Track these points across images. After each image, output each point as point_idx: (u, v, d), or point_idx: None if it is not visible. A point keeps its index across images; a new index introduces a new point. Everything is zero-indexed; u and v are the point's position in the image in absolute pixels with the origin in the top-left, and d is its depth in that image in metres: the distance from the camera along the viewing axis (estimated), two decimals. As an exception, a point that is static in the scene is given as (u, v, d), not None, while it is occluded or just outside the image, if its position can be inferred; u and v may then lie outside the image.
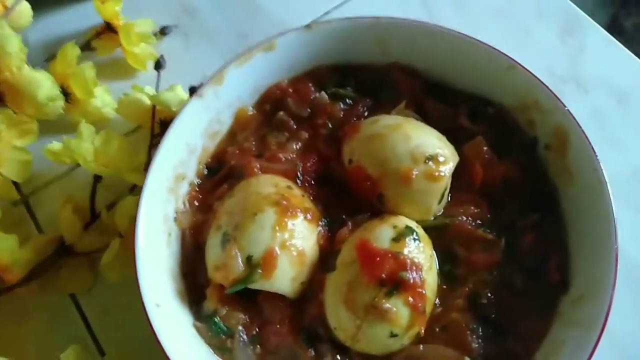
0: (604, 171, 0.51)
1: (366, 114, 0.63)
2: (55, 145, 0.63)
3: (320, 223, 0.56)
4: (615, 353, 0.58)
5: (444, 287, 0.55)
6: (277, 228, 0.52)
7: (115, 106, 0.70)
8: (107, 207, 0.64)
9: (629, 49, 0.76)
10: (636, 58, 0.75)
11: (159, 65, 0.72)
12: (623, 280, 0.59)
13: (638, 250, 0.62)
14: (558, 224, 0.56)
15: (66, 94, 0.68)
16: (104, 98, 0.71)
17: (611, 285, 0.47)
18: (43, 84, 0.63)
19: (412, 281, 0.50)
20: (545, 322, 0.52)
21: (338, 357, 0.52)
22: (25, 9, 0.73)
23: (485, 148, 0.58)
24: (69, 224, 0.62)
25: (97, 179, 0.64)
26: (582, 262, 0.52)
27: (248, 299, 0.54)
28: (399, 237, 0.52)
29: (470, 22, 0.77)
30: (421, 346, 0.52)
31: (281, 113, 0.63)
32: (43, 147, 0.65)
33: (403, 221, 0.54)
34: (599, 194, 0.51)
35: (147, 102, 0.68)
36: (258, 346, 0.53)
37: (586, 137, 0.53)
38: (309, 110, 0.63)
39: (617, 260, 0.48)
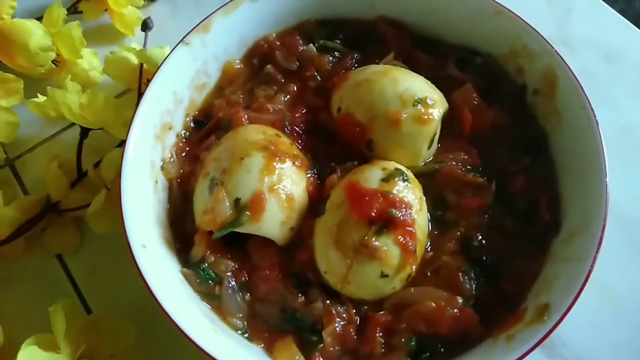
0: (592, 108, 0.51)
1: (355, 66, 0.62)
2: (40, 97, 0.62)
3: (309, 171, 0.56)
4: (610, 305, 0.58)
5: (435, 232, 0.54)
6: (265, 172, 0.52)
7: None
8: (94, 165, 0.63)
9: (613, 8, 0.77)
10: (622, 17, 0.75)
11: (146, 26, 0.72)
12: (615, 233, 0.59)
13: (629, 203, 0.62)
14: (548, 167, 0.55)
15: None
16: (91, 60, 0.71)
17: (602, 216, 0.47)
18: (35, 33, 0.61)
19: (401, 219, 0.49)
20: (537, 262, 0.52)
21: (328, 301, 0.51)
22: None
23: (474, 94, 0.58)
24: (55, 181, 0.61)
25: (84, 135, 0.63)
26: (573, 201, 0.52)
27: (237, 246, 0.54)
28: (388, 177, 0.52)
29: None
30: (412, 289, 0.51)
31: (269, 66, 0.62)
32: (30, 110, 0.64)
33: (392, 164, 0.54)
34: (588, 129, 0.51)
35: (134, 60, 0.67)
36: (247, 293, 0.52)
37: (574, 76, 0.53)
38: (297, 63, 0.63)
39: (607, 193, 0.48)
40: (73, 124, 0.67)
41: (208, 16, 0.58)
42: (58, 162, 0.62)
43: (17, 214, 0.61)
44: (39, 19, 0.69)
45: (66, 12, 0.68)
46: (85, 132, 0.63)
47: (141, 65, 0.67)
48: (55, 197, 0.62)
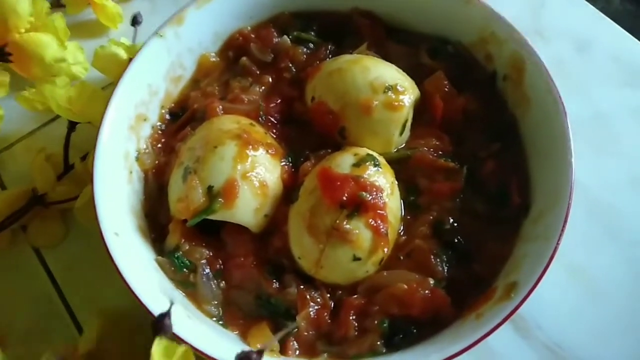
0: (558, 91, 0.52)
1: (329, 57, 0.63)
2: (29, 91, 0.62)
3: (283, 160, 0.56)
4: (584, 288, 0.59)
5: (408, 217, 0.55)
6: (238, 159, 0.52)
7: (87, 65, 0.70)
8: (81, 158, 0.63)
9: (594, 7, 0.78)
10: (593, 8, 0.77)
11: (135, 21, 0.73)
12: (586, 217, 0.61)
13: (599, 187, 0.63)
14: (518, 151, 0.56)
15: None
16: (75, 54, 0.70)
17: (567, 195, 0.47)
18: (50, 46, 0.63)
19: (372, 202, 0.50)
20: (508, 244, 0.52)
21: (302, 287, 0.51)
22: None
23: (445, 82, 0.59)
24: (42, 173, 0.61)
25: (71, 128, 0.64)
26: (541, 182, 0.52)
27: (211, 234, 0.54)
28: (360, 162, 0.52)
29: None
30: (385, 272, 0.52)
31: (244, 58, 0.63)
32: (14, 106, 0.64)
33: (364, 150, 0.54)
34: (554, 112, 0.52)
35: (124, 55, 0.67)
36: (222, 281, 0.53)
37: (541, 61, 0.54)
38: (271, 55, 0.63)
39: (572, 171, 0.49)
40: (55, 118, 0.68)
41: (181, 9, 0.59)
42: (45, 154, 0.62)
43: (2, 206, 0.61)
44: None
45: (49, 6, 0.69)
46: (72, 125, 0.63)
47: (130, 59, 0.67)
48: (41, 189, 0.62)
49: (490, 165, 0.56)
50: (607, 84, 0.70)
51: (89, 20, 0.77)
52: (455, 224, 0.54)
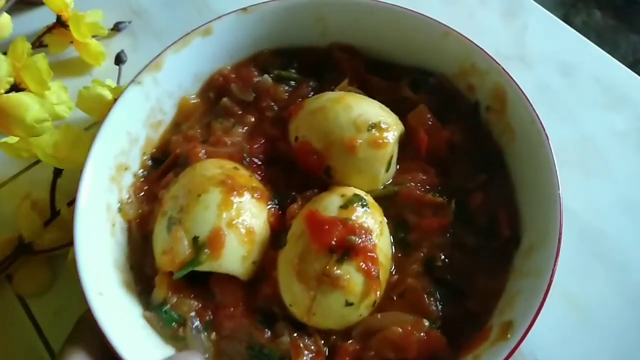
0: (541, 121, 0.52)
1: (311, 94, 0.63)
2: (13, 138, 0.61)
3: (270, 203, 0.55)
4: (578, 315, 0.58)
5: (399, 255, 0.54)
6: (222, 207, 0.51)
7: (72, 105, 0.69)
8: (68, 203, 0.62)
9: (575, 20, 0.78)
10: (575, 32, 0.77)
11: (119, 59, 0.72)
12: (576, 242, 0.61)
13: (590, 212, 0.63)
14: (505, 182, 0.56)
15: (19, 89, 0.66)
16: (59, 94, 0.69)
17: (557, 230, 0.47)
18: (31, 107, 0.61)
19: (362, 245, 0.49)
20: (500, 278, 0.52)
21: (295, 334, 0.50)
22: (6, 21, 0.73)
23: (428, 115, 0.59)
24: (28, 220, 0.60)
25: (57, 174, 0.62)
26: (530, 214, 0.52)
27: (199, 285, 0.53)
28: (347, 204, 0.51)
29: (415, 9, 0.79)
30: (379, 315, 0.51)
31: (225, 99, 0.62)
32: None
33: (351, 190, 0.54)
34: (538, 143, 0.51)
35: (109, 95, 0.66)
36: (213, 332, 0.51)
37: (522, 92, 0.54)
38: (253, 94, 0.63)
39: (561, 205, 0.48)
40: (38, 161, 0.66)
41: (159, 54, 0.58)
42: (31, 201, 0.61)
43: None
44: (4, 53, 0.69)
45: (31, 46, 0.67)
46: (58, 172, 0.62)
47: (115, 99, 0.66)
48: (28, 237, 0.61)
49: (478, 197, 0.55)
50: (593, 107, 0.71)
51: (72, 58, 0.76)
52: (447, 260, 0.53)
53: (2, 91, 0.61)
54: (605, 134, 0.68)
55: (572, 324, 0.57)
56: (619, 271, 0.59)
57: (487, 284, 0.52)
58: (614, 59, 0.74)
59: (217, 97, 0.63)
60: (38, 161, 0.68)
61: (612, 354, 0.56)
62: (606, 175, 0.65)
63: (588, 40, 0.76)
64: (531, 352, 0.56)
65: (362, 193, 0.54)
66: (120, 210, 0.56)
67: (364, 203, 0.52)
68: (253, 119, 0.62)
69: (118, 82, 0.72)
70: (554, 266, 0.46)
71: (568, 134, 0.68)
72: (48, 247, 0.61)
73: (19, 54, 0.66)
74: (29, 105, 0.60)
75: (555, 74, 0.74)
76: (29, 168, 0.69)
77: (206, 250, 0.50)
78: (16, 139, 0.62)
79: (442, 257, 0.53)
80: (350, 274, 0.48)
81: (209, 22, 0.60)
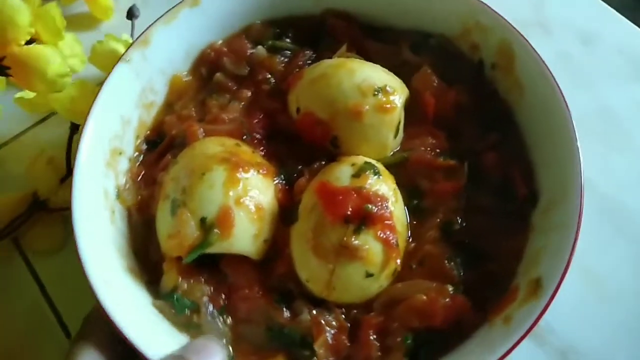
0: (552, 73, 0.50)
1: (308, 63, 0.60)
2: (29, 93, 0.58)
3: (276, 178, 0.53)
4: (595, 289, 0.57)
5: (414, 222, 0.52)
6: (229, 185, 0.48)
7: (84, 59, 0.66)
8: None
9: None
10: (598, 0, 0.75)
11: (132, 14, 0.68)
12: (595, 215, 0.58)
13: (608, 184, 0.62)
14: (517, 139, 0.54)
15: (32, 41, 0.60)
16: (72, 46, 0.66)
17: (579, 183, 0.46)
18: (53, 60, 0.56)
19: (378, 213, 0.47)
20: (520, 237, 0.50)
21: (315, 311, 0.48)
22: None
23: (432, 77, 0.56)
24: (43, 176, 0.58)
25: (74, 129, 0.60)
26: (547, 170, 0.51)
27: (210, 268, 0.50)
28: (359, 172, 0.49)
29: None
30: (400, 284, 0.49)
31: (218, 74, 0.59)
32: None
33: (361, 159, 0.52)
34: (551, 97, 0.50)
35: (122, 51, 0.62)
36: (228, 316, 0.49)
37: (531, 46, 0.53)
38: (247, 68, 0.60)
39: (580, 157, 0.47)
40: (50, 115, 0.64)
41: (146, 28, 0.54)
42: (46, 157, 0.59)
43: (4, 212, 0.57)
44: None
45: None
46: (75, 127, 0.59)
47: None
48: (43, 194, 0.58)
49: (490, 157, 0.54)
50: (615, 78, 0.68)
51: (80, 12, 0.74)
52: (464, 224, 0.51)
53: (23, 42, 0.56)
54: (627, 105, 0.66)
55: (590, 298, 0.56)
56: (638, 245, 0.58)
57: (507, 245, 0.50)
58: (638, 28, 0.72)
59: (210, 73, 0.60)
60: (46, 118, 0.66)
61: (629, 328, 0.55)
62: (627, 147, 0.63)
63: (609, 7, 0.73)
64: (548, 323, 0.55)
65: (372, 161, 0.51)
66: (118, 197, 0.53)
67: (376, 171, 0.50)
68: (249, 94, 0.59)
69: (132, 36, 0.69)
70: (579, 218, 0.44)
71: (588, 105, 0.66)
72: (63, 205, 0.59)
73: (31, 2, 0.61)
74: (49, 58, 0.56)
75: (575, 41, 0.71)
76: (41, 122, 0.66)
77: (216, 231, 0.47)
78: (32, 94, 0.59)
79: (459, 220, 0.52)
80: (369, 244, 0.46)
81: (197, -8, 0.56)
